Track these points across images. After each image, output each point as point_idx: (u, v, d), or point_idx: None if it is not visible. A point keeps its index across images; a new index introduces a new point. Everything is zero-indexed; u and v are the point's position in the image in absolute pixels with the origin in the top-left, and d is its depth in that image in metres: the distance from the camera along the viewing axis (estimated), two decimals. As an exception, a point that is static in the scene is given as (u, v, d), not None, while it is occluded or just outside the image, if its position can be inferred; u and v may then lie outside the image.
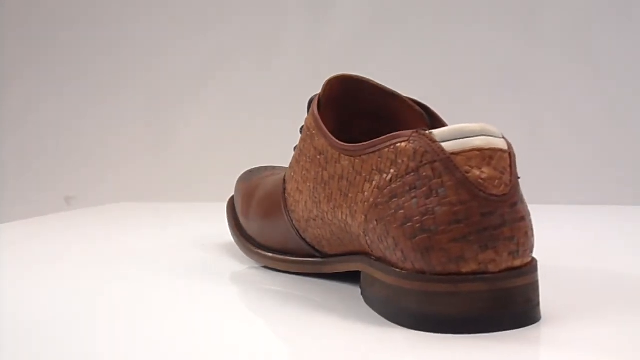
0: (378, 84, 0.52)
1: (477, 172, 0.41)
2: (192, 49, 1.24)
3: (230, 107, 1.22)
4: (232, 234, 0.63)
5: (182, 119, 1.24)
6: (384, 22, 1.20)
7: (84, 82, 1.27)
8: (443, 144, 0.42)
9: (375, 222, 0.44)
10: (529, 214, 0.43)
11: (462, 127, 0.42)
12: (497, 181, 0.41)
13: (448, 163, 0.41)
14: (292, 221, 0.54)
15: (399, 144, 0.43)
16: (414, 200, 0.42)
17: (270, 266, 0.58)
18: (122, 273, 0.60)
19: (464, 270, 0.41)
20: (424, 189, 0.41)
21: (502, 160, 0.42)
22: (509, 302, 0.41)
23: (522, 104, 1.15)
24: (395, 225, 0.42)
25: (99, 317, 0.48)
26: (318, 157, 0.50)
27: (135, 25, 1.26)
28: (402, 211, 0.42)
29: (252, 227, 0.61)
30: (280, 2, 1.22)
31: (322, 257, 0.53)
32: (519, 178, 0.42)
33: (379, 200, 0.44)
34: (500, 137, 0.43)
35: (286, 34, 1.22)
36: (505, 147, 0.42)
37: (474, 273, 0.41)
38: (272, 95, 1.19)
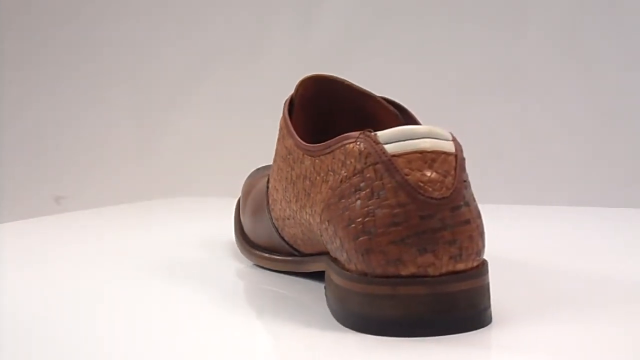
0: (352, 84, 0.52)
1: (418, 175, 0.41)
2: (185, 49, 1.23)
3: (221, 107, 1.21)
4: (234, 232, 0.64)
5: (173, 119, 1.22)
6: (373, 23, 1.18)
7: (75, 82, 1.26)
8: (386, 146, 0.41)
9: (327, 223, 0.44)
10: (478, 218, 0.42)
11: (405, 129, 0.42)
12: (438, 184, 0.41)
13: (389, 165, 0.41)
14: (272, 219, 0.55)
15: (347, 145, 0.43)
16: (358, 202, 0.42)
17: (259, 264, 0.59)
18: (116, 274, 0.61)
19: (403, 273, 0.40)
20: (367, 190, 0.41)
21: (446, 163, 0.41)
22: (451, 307, 0.41)
23: (514, 104, 1.13)
24: (341, 226, 0.42)
25: (94, 318, 0.48)
26: (288, 156, 0.50)
27: (127, 25, 1.25)
28: (347, 212, 0.42)
29: (246, 224, 0.62)
30: (269, 2, 1.22)
31: (300, 256, 0.54)
32: (464, 182, 0.42)
33: (331, 200, 0.44)
34: (448, 140, 0.42)
35: (276, 34, 1.21)
36: (452, 150, 0.42)
37: (413, 276, 0.40)
38: (263, 94, 1.16)
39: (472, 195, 0.43)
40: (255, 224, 0.59)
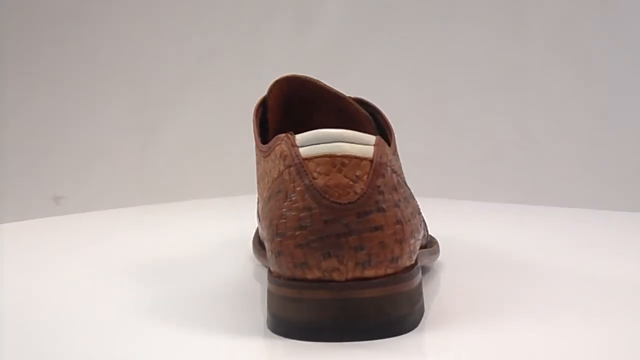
0: (324, 85, 0.52)
1: (325, 179, 0.40)
2: (185, 49, 1.21)
3: (222, 107, 1.18)
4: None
5: (174, 119, 1.18)
6: (370, 24, 1.15)
7: (75, 82, 1.23)
8: (301, 149, 0.41)
9: (261, 223, 0.45)
10: (398, 224, 0.41)
11: (319, 132, 0.41)
12: (345, 189, 0.40)
13: (300, 168, 0.41)
14: (259, 217, 0.56)
15: (276, 147, 0.44)
16: (277, 204, 0.42)
17: (257, 261, 0.60)
18: (116, 274, 0.60)
19: (309, 276, 0.40)
20: (283, 192, 0.42)
21: (358, 168, 0.41)
22: (357, 313, 0.40)
23: (511, 105, 1.08)
24: (265, 226, 0.43)
25: (93, 319, 0.48)
26: (256, 158, 0.51)
27: (127, 25, 1.23)
28: (270, 213, 0.43)
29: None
30: (266, 4, 1.19)
31: None
32: (378, 187, 0.41)
33: (264, 201, 0.44)
34: (367, 145, 0.42)
35: (273, 35, 1.19)
36: (367, 155, 0.41)
37: (319, 280, 0.40)
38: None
39: (398, 201, 0.42)
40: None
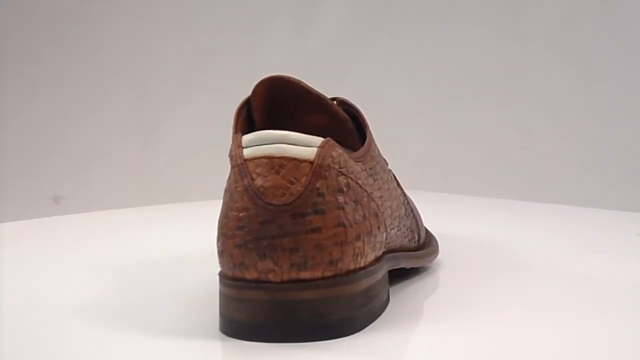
0: (306, 86, 0.52)
1: (262, 180, 0.41)
2: (185, 49, 1.21)
3: (221, 107, 1.17)
4: None
5: (175, 120, 1.19)
6: (370, 24, 1.14)
7: (75, 82, 1.23)
8: (245, 150, 0.42)
9: None
10: (340, 227, 0.41)
11: (261, 134, 0.42)
12: (281, 190, 0.40)
13: (241, 169, 0.41)
14: None
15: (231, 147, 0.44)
16: (224, 204, 0.43)
17: None
18: (115, 275, 0.60)
19: (247, 277, 0.41)
20: (229, 193, 0.42)
21: (297, 170, 0.41)
22: (292, 314, 0.40)
23: (511, 105, 1.07)
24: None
25: (93, 319, 0.48)
26: None
27: (127, 26, 1.23)
28: (220, 213, 0.43)
29: None
30: (266, 4, 1.19)
31: None
32: (317, 189, 0.41)
33: None
34: (310, 147, 0.42)
35: (273, 35, 1.18)
36: (307, 157, 0.41)
37: (256, 281, 0.41)
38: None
39: (343, 203, 0.42)
40: None
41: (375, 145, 0.51)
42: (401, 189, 0.54)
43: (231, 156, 0.42)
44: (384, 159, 0.52)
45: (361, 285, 0.43)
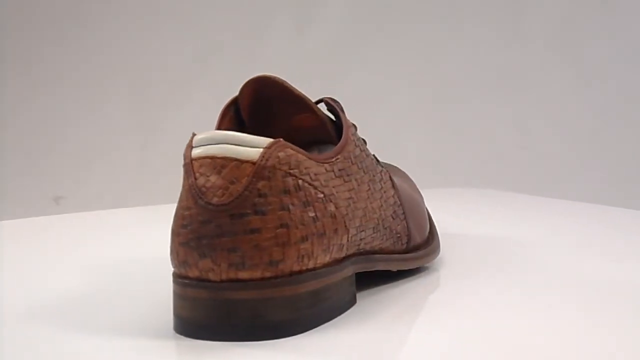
0: (289, 86, 0.51)
1: (204, 180, 0.41)
2: (185, 49, 1.21)
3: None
4: None
5: (175, 120, 1.20)
6: (370, 24, 1.14)
7: (75, 82, 1.24)
8: (193, 149, 0.42)
9: None
10: (281, 228, 0.41)
11: (209, 134, 0.42)
12: (221, 190, 0.40)
13: (188, 168, 0.42)
14: None
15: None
16: (178, 203, 0.43)
17: None
18: (115, 275, 0.59)
19: (190, 275, 0.41)
20: (181, 191, 0.43)
21: (238, 171, 0.41)
22: (230, 314, 0.40)
23: (511, 105, 1.06)
24: None
25: (92, 320, 0.48)
26: None
27: (127, 26, 1.24)
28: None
29: None
30: (266, 4, 1.19)
31: None
32: (258, 190, 0.41)
33: None
34: (251, 147, 0.42)
35: (273, 35, 1.18)
36: (249, 158, 0.41)
37: (198, 279, 0.41)
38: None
39: (288, 204, 0.42)
40: None
41: (360, 145, 0.50)
42: (409, 190, 0.54)
43: (183, 155, 0.43)
44: (375, 159, 0.52)
45: (308, 286, 0.42)
